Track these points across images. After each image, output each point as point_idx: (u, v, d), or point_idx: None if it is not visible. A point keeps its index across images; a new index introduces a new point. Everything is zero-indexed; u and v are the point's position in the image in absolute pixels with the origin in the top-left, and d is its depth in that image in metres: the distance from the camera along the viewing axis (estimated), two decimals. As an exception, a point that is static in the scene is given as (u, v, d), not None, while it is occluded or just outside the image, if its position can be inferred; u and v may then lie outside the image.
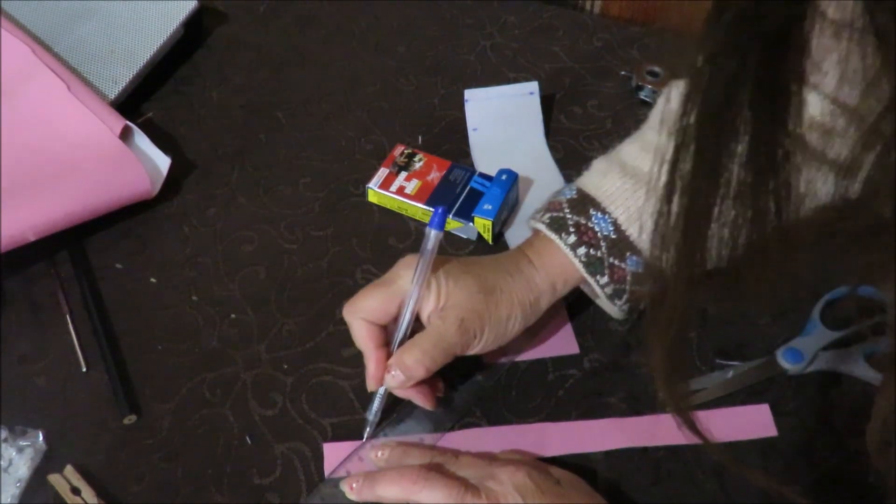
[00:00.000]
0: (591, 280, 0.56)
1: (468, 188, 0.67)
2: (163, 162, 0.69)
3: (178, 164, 0.70)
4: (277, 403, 0.57)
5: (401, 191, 0.67)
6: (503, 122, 0.73)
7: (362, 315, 0.53)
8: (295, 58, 0.80)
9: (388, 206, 0.68)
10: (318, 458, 0.55)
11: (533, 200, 0.68)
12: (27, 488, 0.53)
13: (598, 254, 0.55)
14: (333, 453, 0.55)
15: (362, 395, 0.58)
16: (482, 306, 0.53)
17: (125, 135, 0.69)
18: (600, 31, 0.83)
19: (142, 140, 0.70)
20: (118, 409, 0.57)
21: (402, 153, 0.69)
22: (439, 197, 0.66)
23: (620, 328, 0.61)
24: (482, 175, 0.67)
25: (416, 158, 0.69)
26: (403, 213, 0.68)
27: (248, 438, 0.56)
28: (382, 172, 0.68)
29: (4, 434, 0.55)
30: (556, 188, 0.68)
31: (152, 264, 0.65)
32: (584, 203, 0.56)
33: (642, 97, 0.76)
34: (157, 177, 0.68)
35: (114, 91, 0.73)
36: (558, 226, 0.56)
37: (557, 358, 0.59)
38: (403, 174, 0.68)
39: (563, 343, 0.60)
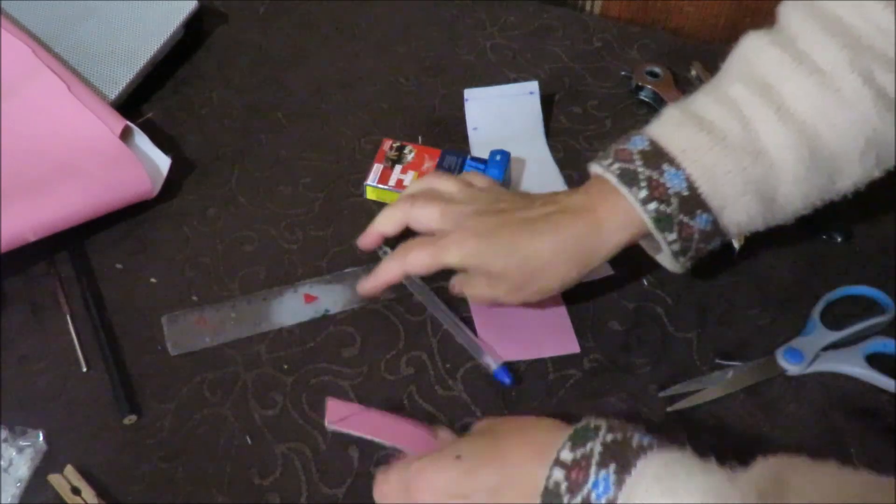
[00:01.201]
0: (658, 236, 0.54)
1: (463, 172, 0.67)
2: (163, 162, 0.69)
3: (178, 164, 0.70)
4: (277, 403, 0.57)
5: (399, 184, 0.67)
6: (503, 122, 0.73)
7: None
8: (295, 58, 0.80)
9: (389, 202, 0.68)
10: (319, 457, 0.55)
11: (533, 200, 0.68)
12: (27, 488, 0.53)
13: (669, 210, 0.53)
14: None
15: (362, 395, 0.58)
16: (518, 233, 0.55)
17: (125, 135, 0.69)
18: (600, 31, 0.83)
19: (142, 140, 0.70)
20: (118, 409, 0.57)
21: (391, 147, 0.70)
22: None
23: (620, 328, 0.61)
24: (474, 158, 0.68)
25: (406, 150, 0.69)
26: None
27: (248, 438, 0.56)
28: (377, 168, 0.69)
29: (4, 434, 0.55)
30: (555, 188, 0.68)
31: (152, 264, 0.65)
32: (657, 156, 0.53)
33: (642, 97, 0.76)
34: (158, 177, 0.68)
35: (114, 91, 0.73)
36: (629, 178, 0.53)
37: (557, 358, 0.59)
38: (398, 168, 0.68)
39: (563, 343, 0.60)
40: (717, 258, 0.64)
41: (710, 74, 0.75)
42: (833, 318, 0.60)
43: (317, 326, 0.61)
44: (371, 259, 0.64)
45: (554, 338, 0.60)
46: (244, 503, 0.53)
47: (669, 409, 0.56)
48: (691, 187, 0.52)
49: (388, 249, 0.63)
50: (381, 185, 0.68)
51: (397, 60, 0.80)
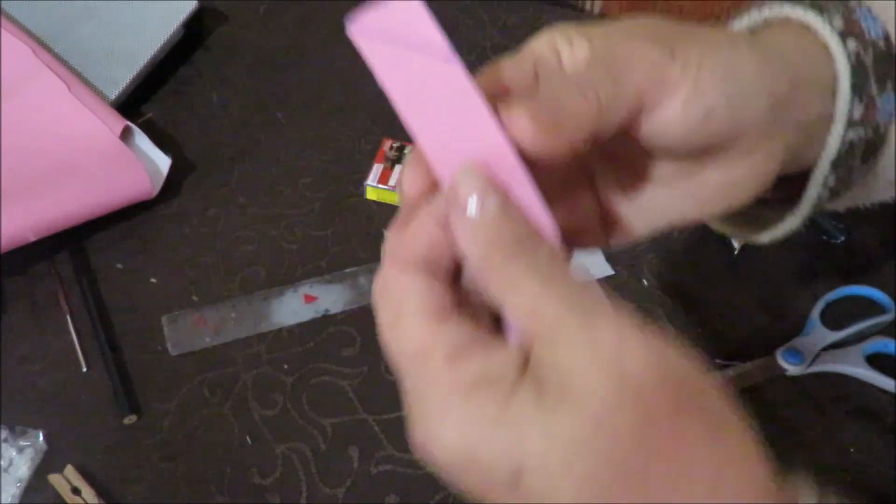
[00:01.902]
0: (844, 107, 0.34)
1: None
2: (163, 162, 0.69)
3: (178, 164, 0.70)
4: (277, 403, 0.57)
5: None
6: (503, 123, 0.73)
7: None
8: (295, 58, 0.80)
9: (389, 202, 0.68)
10: (319, 457, 0.55)
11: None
12: (27, 488, 0.53)
13: (867, 62, 0.35)
14: None
15: (362, 395, 0.58)
16: (679, 29, 0.33)
17: (125, 135, 0.69)
18: (600, 31, 0.82)
19: (142, 140, 0.70)
20: (118, 409, 0.57)
21: (391, 147, 0.70)
22: None
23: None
24: None
25: (406, 150, 0.69)
26: (405, 208, 0.68)
27: (248, 438, 0.56)
28: (377, 168, 0.69)
29: (4, 434, 0.55)
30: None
31: (152, 264, 0.65)
32: None
33: (642, 97, 0.76)
34: (158, 177, 0.68)
35: (114, 91, 0.73)
36: (817, 6, 0.36)
37: (557, 358, 0.59)
38: (398, 168, 0.68)
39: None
40: (717, 258, 0.64)
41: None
42: (833, 318, 0.60)
43: (317, 326, 0.61)
44: (371, 259, 0.64)
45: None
46: (244, 503, 0.53)
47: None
48: (888, 42, 0.36)
49: None
50: (381, 185, 0.68)
51: (397, 60, 0.80)
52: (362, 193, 0.69)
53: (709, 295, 0.63)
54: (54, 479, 0.53)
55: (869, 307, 0.60)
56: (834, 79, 0.35)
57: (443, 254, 0.29)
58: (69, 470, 0.53)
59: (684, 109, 0.30)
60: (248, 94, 0.77)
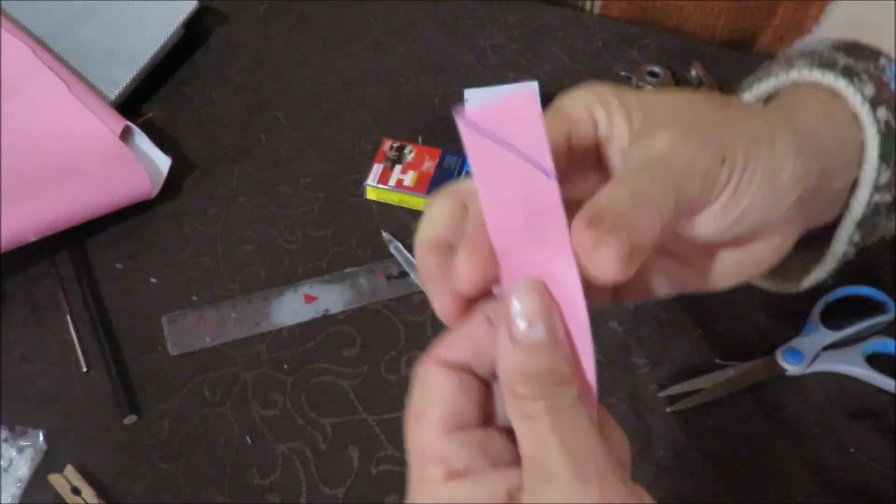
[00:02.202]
0: (871, 172, 0.34)
1: (464, 172, 0.67)
2: (163, 162, 0.69)
3: (178, 164, 0.70)
4: (277, 403, 0.57)
5: (399, 184, 0.67)
6: (503, 123, 0.73)
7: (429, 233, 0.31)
8: (295, 58, 0.80)
9: (389, 202, 0.68)
10: (319, 458, 0.55)
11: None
12: (27, 488, 0.53)
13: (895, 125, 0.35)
14: None
15: (362, 395, 0.58)
16: (722, 118, 0.31)
17: (125, 135, 0.69)
18: (600, 31, 0.82)
19: (142, 140, 0.70)
20: (118, 409, 0.57)
21: (391, 147, 0.70)
22: (439, 185, 0.66)
23: (620, 328, 0.61)
24: None
25: (406, 150, 0.69)
26: (405, 206, 0.68)
27: (248, 438, 0.56)
28: (377, 168, 0.69)
29: (5, 434, 0.55)
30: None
31: (152, 264, 0.65)
32: (861, 48, 0.36)
33: (642, 97, 0.76)
34: (158, 177, 0.68)
35: (114, 91, 0.73)
36: (845, 69, 0.35)
37: (557, 358, 0.59)
38: (398, 167, 0.68)
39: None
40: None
41: (710, 74, 0.76)
42: (833, 318, 0.60)
43: (317, 326, 0.61)
44: (371, 259, 0.64)
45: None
46: (244, 503, 0.53)
47: (669, 409, 0.56)
48: None
49: (398, 244, 0.63)
50: (381, 185, 0.68)
51: (397, 60, 0.80)
52: (362, 193, 0.69)
53: (709, 295, 0.62)
54: (54, 479, 0.53)
55: (869, 307, 0.60)
56: (861, 146, 0.35)
57: (486, 351, 0.30)
58: (69, 470, 0.53)
59: (722, 212, 0.30)
60: (248, 94, 0.77)
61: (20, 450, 0.54)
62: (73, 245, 0.65)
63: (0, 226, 0.61)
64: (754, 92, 0.39)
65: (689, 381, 0.57)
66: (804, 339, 0.59)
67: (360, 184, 0.69)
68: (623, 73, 0.78)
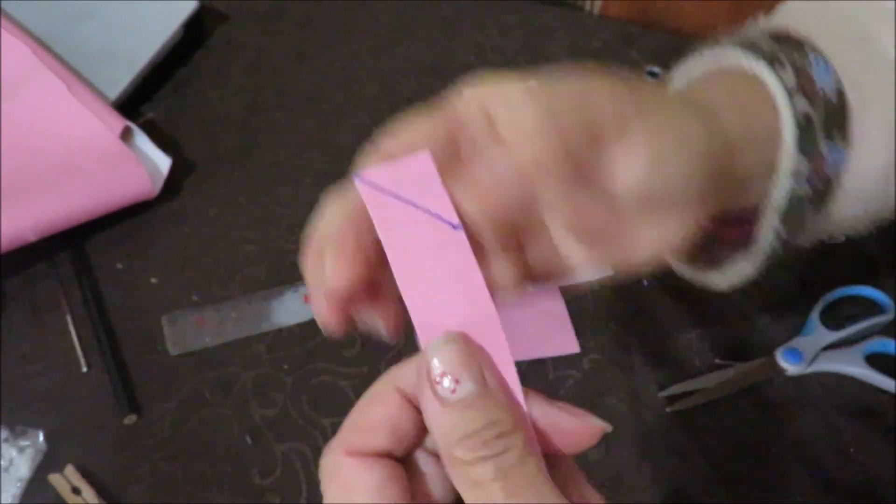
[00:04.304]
0: (792, 160, 0.34)
1: None
2: (163, 162, 0.69)
3: (178, 164, 0.70)
4: (277, 403, 0.57)
5: None
6: (503, 123, 0.73)
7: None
8: (295, 58, 0.80)
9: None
10: (319, 457, 0.55)
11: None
12: (28, 488, 0.53)
13: (816, 119, 0.34)
14: None
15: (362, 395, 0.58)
16: (624, 89, 0.32)
17: (125, 135, 0.69)
18: (600, 31, 0.82)
19: (142, 141, 0.70)
20: (118, 409, 0.57)
21: None
22: None
23: (620, 328, 0.61)
24: None
25: None
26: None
27: (248, 438, 0.56)
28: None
29: (5, 434, 0.55)
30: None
31: (152, 264, 0.65)
32: (792, 41, 0.36)
33: (642, 97, 0.76)
34: (158, 177, 0.68)
35: (114, 92, 0.73)
36: (769, 56, 0.35)
37: (557, 358, 0.59)
38: None
39: (563, 343, 0.60)
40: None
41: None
42: (833, 318, 0.60)
43: (317, 326, 0.61)
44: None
45: (554, 338, 0.60)
46: (244, 503, 0.53)
47: (669, 409, 0.56)
48: (840, 93, 0.34)
49: None
50: (381, 186, 0.68)
51: (397, 60, 0.80)
52: (362, 193, 0.69)
53: (709, 295, 0.62)
54: (54, 479, 0.53)
55: (869, 307, 0.60)
56: (778, 133, 0.34)
57: (406, 430, 0.28)
58: (69, 470, 0.53)
59: (634, 158, 0.30)
60: (248, 94, 0.77)
61: (20, 450, 0.54)
62: (73, 245, 0.65)
63: (0, 226, 0.61)
64: (682, 69, 0.39)
65: (689, 381, 0.57)
66: (804, 338, 0.59)
67: (360, 184, 0.69)
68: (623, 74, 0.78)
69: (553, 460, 0.27)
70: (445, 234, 0.27)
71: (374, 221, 0.27)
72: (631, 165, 0.30)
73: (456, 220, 0.27)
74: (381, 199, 0.27)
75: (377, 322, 0.31)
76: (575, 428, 0.28)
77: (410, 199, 0.27)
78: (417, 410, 0.27)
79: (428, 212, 0.27)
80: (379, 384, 0.29)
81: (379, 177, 0.28)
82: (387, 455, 0.28)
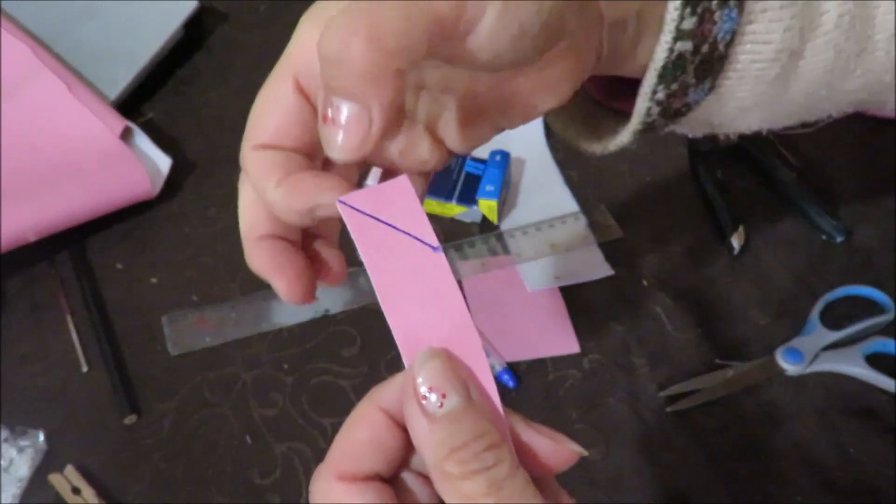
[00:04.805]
0: (674, 13, 0.32)
1: (464, 173, 0.67)
2: (163, 162, 0.69)
3: (178, 164, 0.70)
4: (277, 403, 0.57)
5: None
6: (503, 123, 0.73)
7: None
8: (295, 58, 0.80)
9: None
10: (319, 457, 0.55)
11: (534, 201, 0.68)
12: (28, 488, 0.53)
13: None
14: None
15: (362, 395, 0.57)
16: None
17: (126, 135, 0.69)
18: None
19: (142, 141, 0.70)
20: (118, 409, 0.57)
21: None
22: (438, 186, 0.66)
23: (620, 328, 0.61)
24: (474, 158, 0.68)
25: None
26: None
27: (248, 438, 0.56)
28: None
29: (5, 434, 0.55)
30: (556, 189, 0.68)
31: (152, 264, 0.65)
32: None
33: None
34: (158, 177, 0.68)
35: (114, 92, 0.73)
36: None
37: (557, 358, 0.59)
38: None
39: (563, 342, 0.60)
40: (717, 258, 0.64)
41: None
42: (833, 318, 0.60)
43: (317, 326, 0.61)
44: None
45: (554, 338, 0.61)
46: (244, 503, 0.53)
47: (669, 409, 0.56)
48: None
49: None
50: (380, 186, 0.68)
51: (397, 60, 0.80)
52: (362, 193, 0.69)
53: (709, 295, 0.63)
54: (54, 479, 0.53)
55: (869, 307, 0.60)
56: None
57: (393, 450, 0.28)
58: (69, 470, 0.54)
59: (495, 28, 0.27)
60: (248, 94, 0.77)
61: (20, 450, 0.54)
62: (73, 245, 0.65)
63: (0, 226, 0.61)
64: None
65: (689, 381, 0.57)
66: (804, 338, 0.59)
67: (359, 184, 0.69)
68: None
69: (534, 480, 0.27)
70: (425, 255, 0.28)
71: (357, 243, 0.28)
72: (481, 28, 0.27)
73: (436, 243, 0.28)
74: (363, 221, 0.28)
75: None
76: (551, 450, 0.28)
77: (391, 222, 0.29)
78: (403, 430, 0.27)
79: (408, 234, 0.28)
80: (363, 405, 0.29)
81: (360, 201, 0.29)
82: (376, 477, 0.28)
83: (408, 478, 0.29)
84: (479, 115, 0.33)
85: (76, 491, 0.53)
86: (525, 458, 0.27)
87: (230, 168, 0.72)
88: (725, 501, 0.53)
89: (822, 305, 0.60)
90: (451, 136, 0.33)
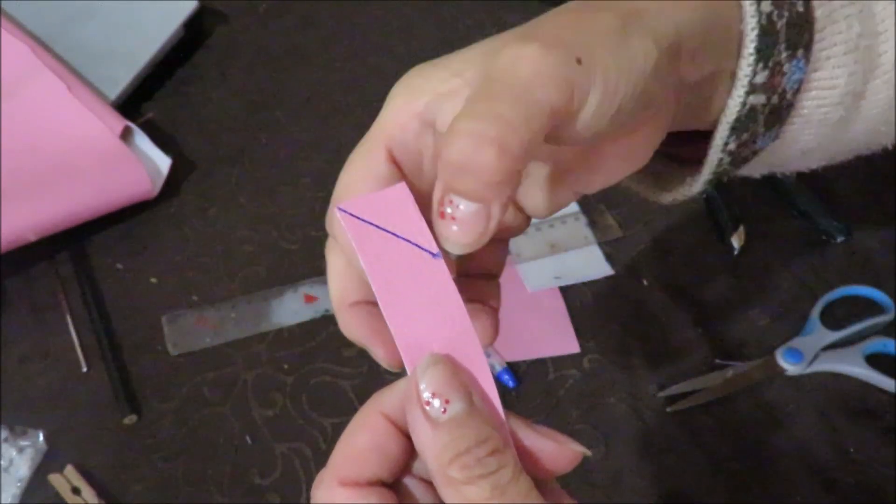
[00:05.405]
0: (748, 69, 0.32)
1: None
2: (163, 162, 0.69)
3: (178, 164, 0.70)
4: (277, 403, 0.57)
5: None
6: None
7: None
8: (295, 58, 0.80)
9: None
10: (319, 457, 0.55)
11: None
12: (28, 488, 0.53)
13: (778, 25, 0.32)
14: None
15: (362, 395, 0.58)
16: (567, 21, 0.30)
17: (125, 135, 0.69)
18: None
19: (142, 140, 0.70)
20: (118, 409, 0.57)
21: None
22: None
23: (620, 328, 0.61)
24: None
25: None
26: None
27: (248, 438, 0.56)
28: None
29: (5, 434, 0.55)
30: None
31: (152, 264, 0.65)
32: None
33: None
34: (158, 177, 0.68)
35: (114, 91, 0.73)
36: None
37: (557, 358, 0.59)
38: None
39: (563, 342, 0.60)
40: (717, 258, 0.64)
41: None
42: (833, 318, 0.60)
43: (317, 326, 0.61)
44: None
45: (554, 338, 0.61)
46: (244, 503, 0.53)
47: (669, 409, 0.56)
48: (808, 1, 0.33)
49: None
50: (381, 186, 0.68)
51: (397, 60, 0.80)
52: (362, 193, 0.69)
53: (709, 295, 0.63)
54: (54, 479, 0.53)
55: (869, 307, 0.60)
56: (742, 37, 0.32)
57: (395, 456, 0.28)
58: (69, 470, 0.54)
59: (598, 110, 0.28)
60: (248, 94, 0.77)
61: (20, 450, 0.54)
62: (73, 245, 0.65)
63: (0, 226, 0.61)
64: None
65: (689, 381, 0.57)
66: (804, 338, 0.59)
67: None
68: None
69: (537, 482, 0.27)
70: (425, 261, 0.28)
71: (357, 250, 0.28)
72: (585, 112, 0.28)
73: (435, 249, 0.28)
74: (363, 228, 0.28)
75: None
76: (554, 452, 0.28)
77: (391, 229, 0.28)
78: (405, 435, 0.28)
79: (408, 241, 0.28)
80: (364, 411, 0.29)
81: (359, 208, 0.29)
82: (378, 482, 0.28)
83: (410, 483, 0.29)
84: (563, 182, 0.34)
85: (76, 491, 0.53)
86: (527, 461, 0.28)
87: (230, 168, 0.72)
88: (725, 501, 0.53)
89: (822, 305, 0.60)
90: (534, 203, 0.34)
